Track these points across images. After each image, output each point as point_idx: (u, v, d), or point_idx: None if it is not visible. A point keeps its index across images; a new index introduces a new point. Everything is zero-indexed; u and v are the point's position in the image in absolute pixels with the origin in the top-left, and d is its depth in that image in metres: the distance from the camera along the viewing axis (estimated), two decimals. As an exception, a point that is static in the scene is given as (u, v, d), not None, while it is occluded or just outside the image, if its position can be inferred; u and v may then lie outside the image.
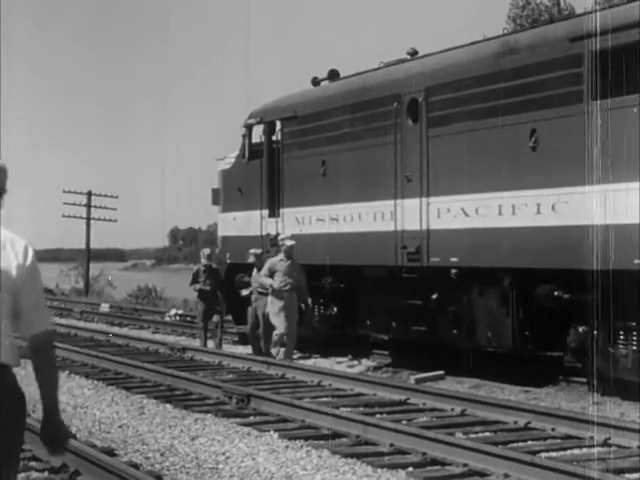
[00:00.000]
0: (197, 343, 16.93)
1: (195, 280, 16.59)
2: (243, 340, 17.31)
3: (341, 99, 15.67)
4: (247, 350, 16.23)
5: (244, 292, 15.98)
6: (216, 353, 15.40)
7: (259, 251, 16.08)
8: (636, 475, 7.44)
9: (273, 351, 14.67)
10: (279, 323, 14.46)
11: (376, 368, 14.81)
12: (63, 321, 23.29)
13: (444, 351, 14.04)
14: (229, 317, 18.30)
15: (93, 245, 47.62)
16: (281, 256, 14.57)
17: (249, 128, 17.82)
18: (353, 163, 15.15)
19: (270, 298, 14.56)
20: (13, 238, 3.61)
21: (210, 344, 16.61)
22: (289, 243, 14.53)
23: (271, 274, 14.46)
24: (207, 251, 16.89)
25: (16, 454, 3.58)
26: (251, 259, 15.79)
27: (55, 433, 3.69)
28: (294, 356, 15.03)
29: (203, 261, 16.70)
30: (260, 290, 15.38)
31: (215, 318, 16.68)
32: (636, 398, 10.85)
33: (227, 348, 16.45)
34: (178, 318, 23.53)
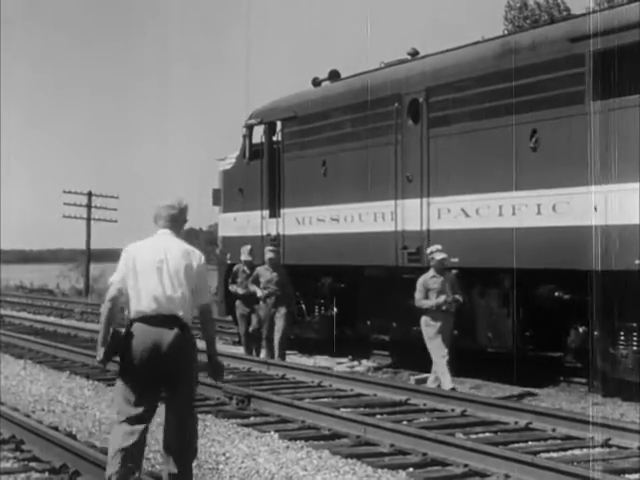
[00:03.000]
0: (241, 350, 15.80)
1: (234, 280, 15.44)
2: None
3: (342, 99, 15.67)
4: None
5: (259, 293, 14.80)
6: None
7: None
8: (636, 476, 7.45)
9: (445, 382, 11.86)
10: (438, 351, 11.96)
11: (376, 369, 14.81)
12: (64, 322, 23.29)
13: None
14: (228, 317, 18.26)
15: (93, 246, 47.65)
16: (432, 272, 12.20)
17: (250, 128, 17.83)
18: (354, 163, 15.15)
19: (425, 320, 12.15)
20: (191, 249, 6.09)
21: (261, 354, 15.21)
22: (439, 257, 12.16)
23: (426, 293, 12.11)
24: (248, 248, 15.49)
25: (192, 383, 6.00)
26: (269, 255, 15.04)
27: (215, 368, 6.12)
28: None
29: (244, 257, 15.30)
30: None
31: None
32: (636, 399, 10.85)
33: (227, 349, 16.42)
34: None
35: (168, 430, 5.96)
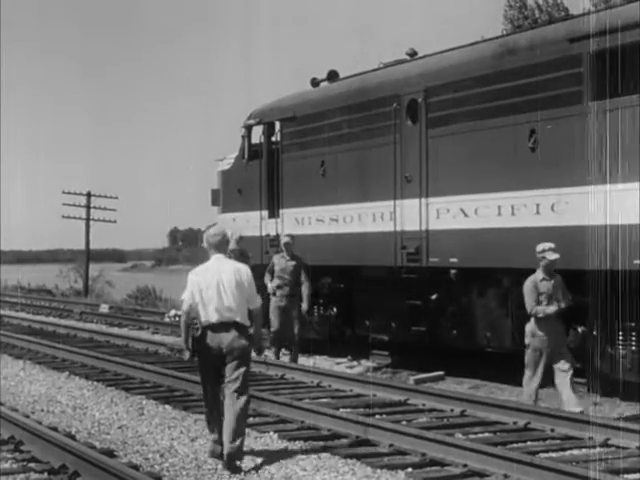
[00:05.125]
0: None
1: None
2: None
3: (340, 100, 15.68)
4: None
5: (269, 286, 14.10)
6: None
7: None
8: (635, 476, 7.45)
9: (570, 402, 10.44)
10: (534, 364, 10.59)
11: (376, 369, 14.81)
12: (63, 322, 23.27)
13: (444, 352, 14.06)
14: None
15: (92, 246, 47.67)
16: (541, 274, 10.56)
17: (248, 129, 17.82)
18: (352, 164, 15.15)
19: (532, 329, 10.59)
20: (239, 265, 8.19)
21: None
22: (552, 257, 10.48)
23: (538, 298, 10.52)
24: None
25: (247, 367, 8.08)
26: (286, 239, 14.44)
27: (258, 346, 8.39)
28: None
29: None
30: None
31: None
32: (635, 399, 10.85)
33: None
34: (177, 319, 23.48)
35: (226, 401, 8.03)
